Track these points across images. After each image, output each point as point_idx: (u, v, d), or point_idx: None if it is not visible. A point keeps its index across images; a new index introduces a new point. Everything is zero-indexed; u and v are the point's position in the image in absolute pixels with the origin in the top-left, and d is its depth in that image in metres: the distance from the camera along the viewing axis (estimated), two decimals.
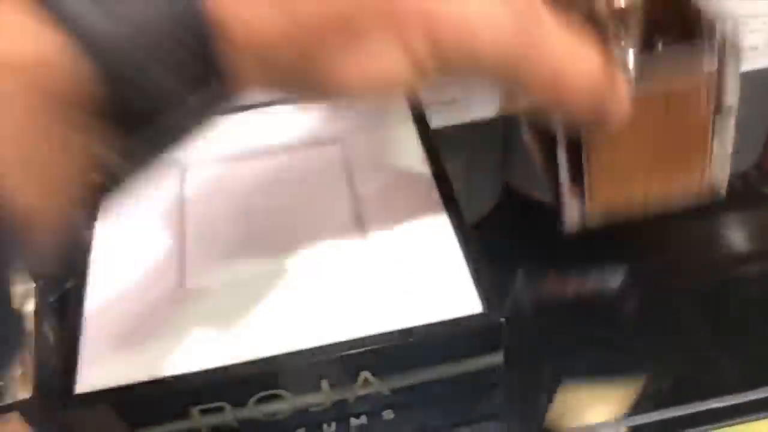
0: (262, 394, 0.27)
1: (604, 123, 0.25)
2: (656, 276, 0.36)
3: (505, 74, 0.23)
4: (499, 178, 0.41)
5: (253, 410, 0.27)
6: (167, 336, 0.27)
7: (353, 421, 0.29)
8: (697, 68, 0.25)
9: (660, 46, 0.26)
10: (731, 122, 0.27)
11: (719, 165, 0.27)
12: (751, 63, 0.43)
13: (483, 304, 0.27)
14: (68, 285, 0.36)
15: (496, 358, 0.28)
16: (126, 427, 0.26)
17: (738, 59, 0.25)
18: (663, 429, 0.29)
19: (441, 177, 0.31)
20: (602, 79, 0.24)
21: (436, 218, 0.30)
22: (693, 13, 0.25)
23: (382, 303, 0.27)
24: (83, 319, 0.28)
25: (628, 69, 0.25)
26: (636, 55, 0.25)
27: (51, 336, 0.36)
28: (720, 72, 0.25)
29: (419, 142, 0.33)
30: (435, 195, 0.31)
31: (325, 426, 0.29)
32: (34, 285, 0.37)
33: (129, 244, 0.31)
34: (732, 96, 0.26)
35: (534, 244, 0.37)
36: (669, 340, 0.33)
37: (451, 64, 0.22)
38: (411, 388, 0.28)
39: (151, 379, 0.26)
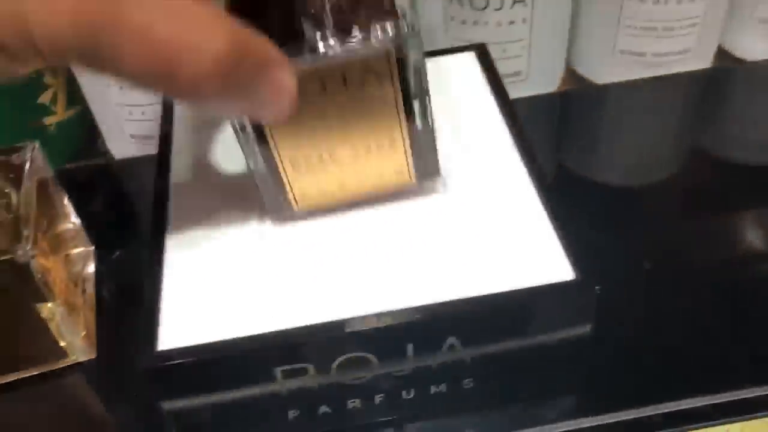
0: (347, 356, 0.26)
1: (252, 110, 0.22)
2: None
3: (89, 54, 0.19)
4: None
5: (336, 373, 0.26)
6: (250, 294, 0.27)
7: (432, 389, 0.28)
8: (375, 50, 0.24)
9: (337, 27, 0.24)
10: (422, 108, 0.26)
11: (421, 147, 0.27)
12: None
13: (575, 271, 0.26)
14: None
15: (584, 329, 0.27)
16: (206, 387, 0.26)
17: (419, 46, 0.24)
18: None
19: (522, 139, 0.31)
20: (233, 53, 0.20)
21: (520, 181, 0.29)
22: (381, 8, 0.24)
23: (470, 267, 0.27)
24: (162, 276, 0.27)
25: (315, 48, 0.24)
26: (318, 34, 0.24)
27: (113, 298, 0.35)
28: (402, 55, 0.24)
29: (499, 108, 0.33)
30: (517, 157, 0.30)
31: (403, 393, 0.28)
32: (93, 248, 0.36)
33: (208, 198, 0.30)
34: (418, 80, 0.25)
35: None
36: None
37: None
38: (494, 357, 0.27)
39: (235, 337, 0.25)
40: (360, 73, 0.25)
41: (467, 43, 0.39)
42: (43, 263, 0.30)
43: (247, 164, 0.27)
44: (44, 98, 0.42)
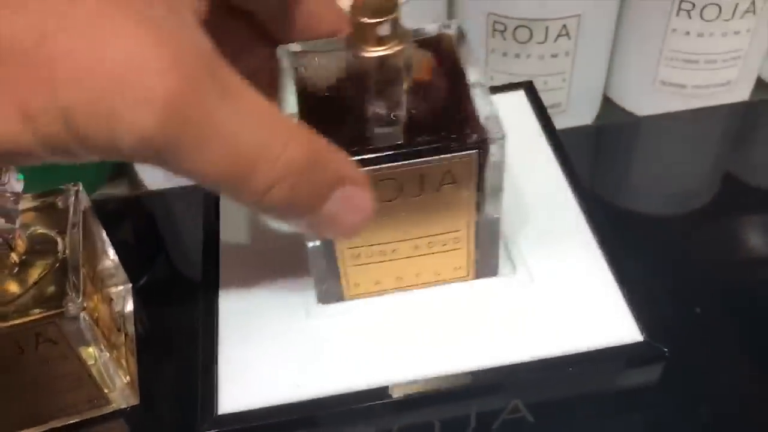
0: (409, 419, 0.25)
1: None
2: None
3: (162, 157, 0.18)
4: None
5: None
6: (305, 357, 0.26)
7: None
8: (458, 158, 0.24)
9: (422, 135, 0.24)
10: (495, 208, 0.26)
11: (484, 247, 0.27)
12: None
13: (643, 332, 0.25)
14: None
15: (650, 384, 0.26)
16: None
17: (502, 152, 0.24)
18: None
19: (583, 195, 0.30)
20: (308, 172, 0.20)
21: (584, 239, 0.29)
22: (462, 113, 0.24)
23: (535, 330, 0.26)
24: (218, 333, 0.27)
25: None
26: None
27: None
28: (483, 162, 0.24)
29: (554, 153, 0.32)
30: (576, 209, 0.30)
31: None
32: (131, 285, 0.36)
33: (257, 262, 0.29)
34: (496, 184, 0.25)
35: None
36: None
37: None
38: (556, 416, 0.27)
39: (296, 401, 0.25)
40: (439, 178, 0.24)
41: (507, 75, 0.38)
42: (90, 307, 0.29)
43: (308, 248, 0.26)
44: None
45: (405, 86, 0.24)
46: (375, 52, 0.23)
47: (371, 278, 0.27)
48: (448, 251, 0.26)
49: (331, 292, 0.27)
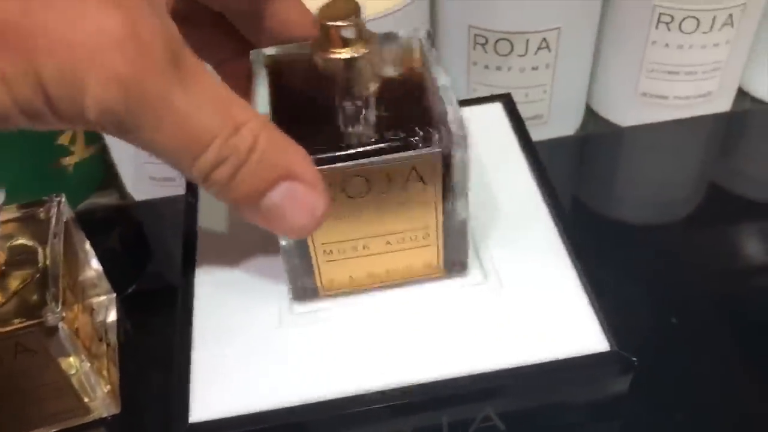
0: (381, 426, 0.26)
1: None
2: None
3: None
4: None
5: None
6: (279, 364, 0.26)
7: None
8: (424, 155, 0.24)
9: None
10: (461, 206, 0.26)
11: (454, 242, 0.27)
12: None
13: (610, 341, 0.26)
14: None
15: (620, 393, 0.27)
16: None
17: (466, 150, 0.24)
18: None
19: (556, 205, 0.30)
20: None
21: (554, 247, 0.29)
22: (428, 113, 0.25)
23: (505, 337, 0.26)
24: (192, 346, 0.27)
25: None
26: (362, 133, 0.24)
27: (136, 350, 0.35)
28: (449, 160, 0.24)
29: (529, 164, 0.32)
30: (549, 218, 0.30)
31: None
32: (115, 295, 0.36)
33: (233, 269, 0.30)
34: (461, 181, 0.25)
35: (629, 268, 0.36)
36: None
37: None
38: (528, 423, 0.27)
39: (266, 410, 0.25)
40: (405, 175, 0.24)
41: (489, 87, 0.39)
42: (70, 317, 0.29)
43: (280, 245, 0.26)
44: (63, 140, 0.42)
45: (372, 88, 0.25)
46: (340, 54, 0.24)
47: (344, 274, 0.27)
48: (418, 248, 0.27)
49: (305, 289, 0.27)
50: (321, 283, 0.27)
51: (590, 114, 0.48)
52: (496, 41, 0.40)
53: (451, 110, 0.24)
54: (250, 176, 0.21)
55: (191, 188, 0.33)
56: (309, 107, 0.25)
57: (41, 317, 0.27)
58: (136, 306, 0.37)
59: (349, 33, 0.24)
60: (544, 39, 0.39)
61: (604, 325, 0.26)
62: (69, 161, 0.43)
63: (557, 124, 0.44)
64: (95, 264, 0.35)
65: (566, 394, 0.26)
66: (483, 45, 0.40)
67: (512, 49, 0.40)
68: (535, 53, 0.40)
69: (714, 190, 0.42)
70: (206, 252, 0.30)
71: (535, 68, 0.41)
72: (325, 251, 0.26)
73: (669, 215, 0.41)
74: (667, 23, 0.41)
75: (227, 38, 0.29)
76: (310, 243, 0.26)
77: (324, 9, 0.24)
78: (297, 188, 0.22)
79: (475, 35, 0.40)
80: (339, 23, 0.23)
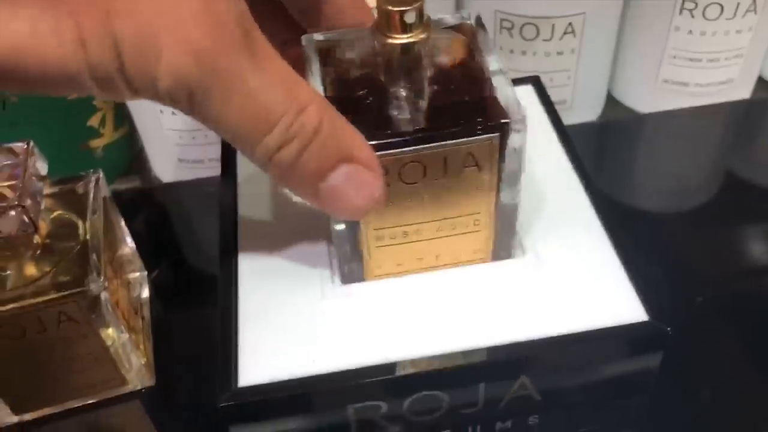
0: (421, 394, 0.26)
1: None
2: None
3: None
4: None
5: (407, 409, 0.26)
6: (322, 333, 0.27)
7: (498, 425, 0.28)
8: (481, 141, 0.24)
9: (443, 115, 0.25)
10: (514, 193, 0.26)
11: (503, 229, 0.27)
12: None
13: (647, 311, 0.26)
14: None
15: (653, 366, 0.27)
16: (280, 421, 0.26)
17: (523, 138, 0.25)
18: None
19: (590, 186, 0.31)
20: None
21: (590, 224, 0.30)
22: (484, 98, 0.25)
23: (543, 309, 0.27)
24: (237, 310, 0.27)
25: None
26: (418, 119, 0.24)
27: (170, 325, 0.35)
28: (504, 146, 0.25)
29: (562, 146, 0.33)
30: (584, 198, 0.31)
31: (469, 428, 0.28)
32: (147, 273, 0.36)
33: (275, 243, 0.30)
34: (515, 168, 0.26)
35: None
36: None
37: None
38: (562, 394, 0.28)
39: (310, 375, 0.25)
40: (461, 161, 0.25)
41: (514, 72, 0.39)
42: (111, 289, 0.30)
43: (333, 229, 0.26)
44: (93, 121, 0.43)
45: (429, 73, 0.25)
46: (400, 39, 0.24)
47: (393, 259, 0.27)
48: (468, 233, 0.27)
49: (353, 272, 0.28)
50: (369, 267, 0.28)
51: (611, 101, 0.48)
52: (522, 26, 0.40)
53: (508, 95, 0.24)
54: (314, 157, 0.21)
55: (228, 167, 0.33)
56: (363, 92, 0.25)
57: (85, 286, 0.28)
58: (166, 286, 0.37)
59: (410, 18, 0.24)
60: (570, 24, 0.40)
61: (641, 297, 0.27)
62: (98, 143, 0.43)
63: (580, 109, 0.45)
64: (130, 242, 0.35)
65: (602, 364, 0.27)
66: (509, 29, 0.41)
67: (538, 34, 0.40)
68: (561, 38, 0.41)
69: (732, 178, 0.43)
70: (246, 229, 0.31)
71: (560, 53, 0.41)
72: (377, 236, 0.27)
73: (687, 202, 0.41)
74: (690, 10, 0.41)
75: (282, 24, 0.29)
76: (362, 228, 0.26)
77: None
78: (357, 170, 0.22)
79: (501, 20, 0.40)
80: (402, 8, 0.23)
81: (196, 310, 0.37)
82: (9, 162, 0.29)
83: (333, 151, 0.22)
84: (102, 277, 0.28)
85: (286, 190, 0.28)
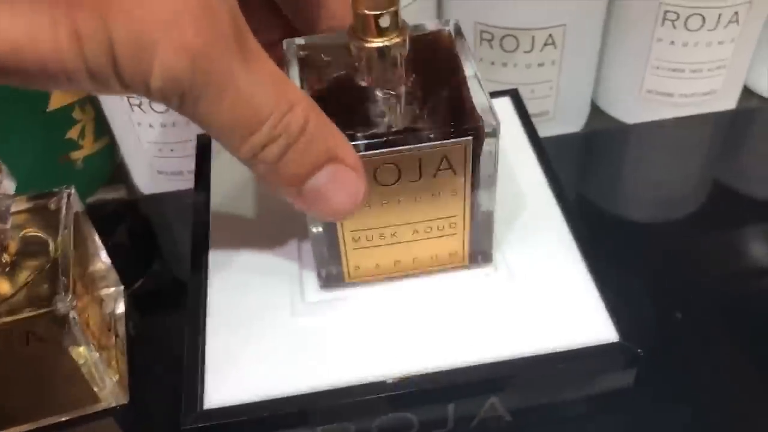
0: (389, 415, 0.26)
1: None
2: None
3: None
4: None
5: (376, 430, 0.26)
6: (289, 354, 0.27)
7: None
8: (456, 144, 0.25)
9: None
10: (489, 197, 0.27)
11: (479, 232, 0.27)
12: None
13: (618, 331, 0.26)
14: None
15: (625, 387, 0.27)
16: None
17: (497, 140, 0.25)
18: None
19: (565, 199, 0.31)
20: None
21: (563, 239, 0.29)
22: (459, 102, 0.25)
23: (513, 328, 0.27)
24: (204, 334, 0.27)
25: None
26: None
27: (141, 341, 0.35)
28: (479, 150, 0.25)
29: (537, 158, 0.33)
30: (558, 211, 0.30)
31: None
32: (122, 287, 0.36)
33: (245, 259, 0.30)
34: (491, 172, 0.26)
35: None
36: None
37: None
38: (533, 414, 0.27)
39: (277, 397, 0.25)
40: (437, 163, 0.25)
41: (494, 83, 0.39)
42: (80, 307, 0.30)
43: (311, 231, 0.26)
44: (72, 134, 0.42)
45: (405, 76, 0.25)
46: (375, 42, 0.24)
47: (371, 262, 0.27)
48: (444, 237, 0.27)
49: (331, 275, 0.28)
50: (347, 270, 0.28)
51: (595, 111, 0.48)
52: (502, 37, 0.40)
53: (483, 100, 0.24)
54: (299, 156, 0.22)
55: (202, 181, 0.33)
56: (341, 95, 0.25)
57: (52, 306, 0.28)
58: (143, 299, 0.37)
59: (385, 22, 0.24)
60: (550, 35, 0.40)
61: (612, 317, 0.26)
62: (78, 155, 0.43)
63: (563, 120, 0.45)
64: (104, 256, 0.35)
65: (573, 384, 0.27)
66: (489, 41, 0.41)
67: (518, 46, 0.40)
68: (541, 50, 0.40)
69: (718, 188, 0.43)
70: (217, 243, 0.31)
71: (541, 65, 0.41)
72: (353, 238, 0.27)
73: (672, 213, 0.41)
74: (672, 20, 0.41)
75: (273, 22, 0.29)
76: (339, 230, 0.26)
77: None
78: (341, 171, 0.22)
79: (481, 31, 0.40)
80: (377, 11, 0.24)
81: (173, 323, 0.36)
82: None
83: (318, 151, 0.22)
84: (70, 296, 0.28)
85: (270, 190, 0.28)
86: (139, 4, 0.18)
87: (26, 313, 0.28)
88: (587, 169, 0.45)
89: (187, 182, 0.42)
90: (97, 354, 0.30)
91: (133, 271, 0.38)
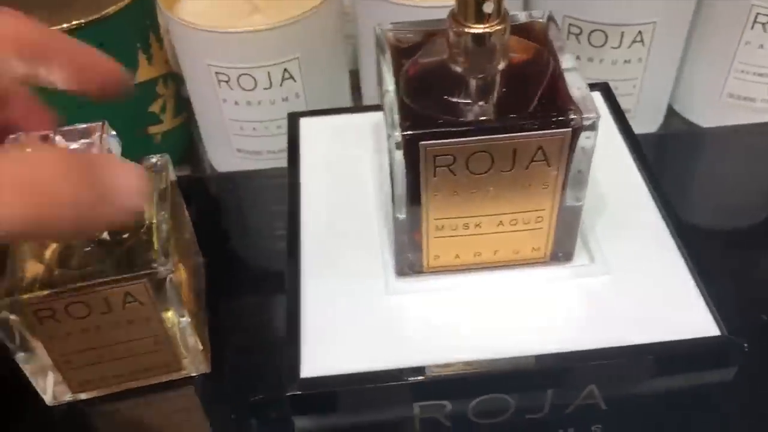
0: (488, 396, 0.26)
1: None
2: None
3: None
4: None
5: (472, 410, 0.26)
6: (386, 326, 0.27)
7: None
8: (552, 135, 0.24)
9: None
10: (580, 193, 0.26)
11: (564, 228, 0.27)
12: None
13: (723, 326, 0.26)
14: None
15: (724, 381, 0.27)
16: (343, 413, 0.26)
17: (595, 136, 0.24)
18: None
19: (660, 193, 0.30)
20: None
21: (659, 233, 0.29)
22: (558, 94, 0.25)
23: (613, 318, 0.26)
24: (300, 303, 0.27)
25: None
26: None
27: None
28: (572, 147, 0.25)
29: (631, 154, 0.32)
30: (654, 207, 0.30)
31: None
32: (203, 260, 0.37)
33: (336, 241, 0.30)
34: (585, 167, 0.25)
35: None
36: None
37: None
38: (628, 405, 0.27)
39: (378, 370, 0.25)
40: (531, 154, 0.25)
41: None
42: (176, 273, 0.30)
43: (393, 216, 0.26)
44: (154, 107, 0.43)
45: (502, 64, 0.25)
46: (477, 29, 0.24)
47: (451, 251, 0.27)
48: (529, 230, 0.27)
49: (411, 263, 0.28)
50: (427, 259, 0.27)
51: (671, 113, 0.47)
52: (591, 32, 0.40)
53: (582, 93, 0.24)
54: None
55: (293, 164, 0.33)
56: (435, 82, 0.25)
57: (152, 269, 0.28)
58: (221, 274, 0.37)
59: (488, 7, 0.24)
60: (640, 32, 0.39)
61: (715, 311, 0.26)
62: (157, 129, 0.44)
63: (642, 119, 0.44)
64: (191, 228, 0.35)
65: (672, 377, 0.26)
66: (577, 35, 0.40)
67: (606, 41, 0.40)
68: (629, 46, 0.40)
69: None
70: (308, 226, 0.31)
71: (627, 61, 0.41)
72: (437, 227, 0.26)
73: (743, 219, 0.40)
74: (763, 23, 0.41)
75: None
76: (423, 217, 0.26)
77: None
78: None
79: (570, 25, 0.40)
80: None
81: (247, 301, 0.37)
82: (83, 142, 0.29)
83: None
84: (170, 260, 0.28)
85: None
86: None
87: (127, 275, 0.28)
88: (661, 171, 0.44)
89: (265, 162, 0.43)
90: (188, 319, 0.30)
91: (209, 248, 0.38)
